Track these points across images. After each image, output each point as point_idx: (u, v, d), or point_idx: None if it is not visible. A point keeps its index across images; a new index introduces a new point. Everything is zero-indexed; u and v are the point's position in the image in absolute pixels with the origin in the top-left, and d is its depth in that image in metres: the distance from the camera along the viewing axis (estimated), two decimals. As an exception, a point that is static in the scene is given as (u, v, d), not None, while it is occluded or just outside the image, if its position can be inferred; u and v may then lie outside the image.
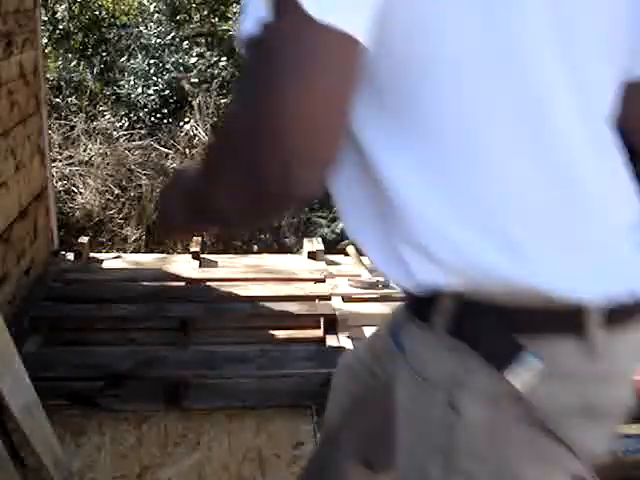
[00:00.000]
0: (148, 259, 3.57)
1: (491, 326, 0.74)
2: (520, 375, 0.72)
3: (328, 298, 2.86)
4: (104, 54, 6.00)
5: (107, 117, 5.58)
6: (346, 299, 2.89)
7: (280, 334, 2.66)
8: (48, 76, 5.10)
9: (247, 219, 0.76)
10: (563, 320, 0.73)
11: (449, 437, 0.77)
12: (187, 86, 5.62)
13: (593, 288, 0.72)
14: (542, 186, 0.72)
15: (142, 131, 5.49)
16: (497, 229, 0.72)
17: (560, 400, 0.75)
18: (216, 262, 3.44)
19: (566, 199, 0.73)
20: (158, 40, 5.85)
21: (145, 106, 5.58)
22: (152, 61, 5.69)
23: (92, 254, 3.44)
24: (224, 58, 5.75)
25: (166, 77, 5.67)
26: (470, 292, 0.73)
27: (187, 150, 5.43)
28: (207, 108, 5.50)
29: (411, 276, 0.75)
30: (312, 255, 3.34)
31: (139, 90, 5.56)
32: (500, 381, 0.73)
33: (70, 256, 3.30)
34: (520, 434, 0.76)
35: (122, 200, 5.13)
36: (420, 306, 0.79)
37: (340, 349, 2.47)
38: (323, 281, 3.02)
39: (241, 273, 3.19)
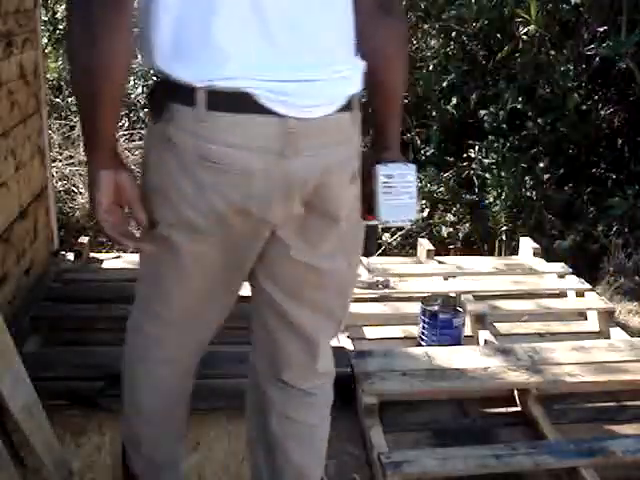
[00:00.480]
0: (148, 259, 3.56)
1: (158, 94, 1.22)
2: (163, 123, 1.20)
3: (328, 298, 2.86)
4: (104, 54, 5.99)
5: (107, 117, 5.56)
6: (346, 299, 2.89)
7: (280, 334, 2.66)
8: (48, 76, 5.10)
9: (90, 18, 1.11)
10: (184, 94, 1.15)
11: (145, 160, 1.31)
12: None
13: (201, 77, 1.14)
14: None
15: (142, 131, 5.48)
16: (163, 42, 1.16)
17: (187, 145, 1.18)
18: (216, 262, 3.43)
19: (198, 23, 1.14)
20: (158, 40, 5.84)
21: (145, 106, 5.58)
22: (152, 61, 5.69)
23: (92, 254, 3.43)
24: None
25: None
26: (162, 75, 1.19)
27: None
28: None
29: (151, 65, 1.20)
30: (312, 255, 3.33)
31: (139, 90, 5.56)
32: (158, 127, 1.21)
33: (70, 256, 3.29)
34: (167, 160, 1.22)
35: (122, 200, 5.11)
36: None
37: (340, 349, 2.47)
38: (323, 281, 3.02)
39: (241, 273, 3.19)
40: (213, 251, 1.29)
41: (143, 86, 5.55)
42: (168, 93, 1.18)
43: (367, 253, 1.51)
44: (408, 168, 1.41)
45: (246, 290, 3.19)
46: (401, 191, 1.39)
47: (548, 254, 3.66)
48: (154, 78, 1.24)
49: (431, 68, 5.05)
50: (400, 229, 4.57)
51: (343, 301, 1.49)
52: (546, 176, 4.63)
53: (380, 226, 1.47)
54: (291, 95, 1.17)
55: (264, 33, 1.16)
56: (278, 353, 1.49)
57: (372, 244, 1.53)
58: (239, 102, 1.15)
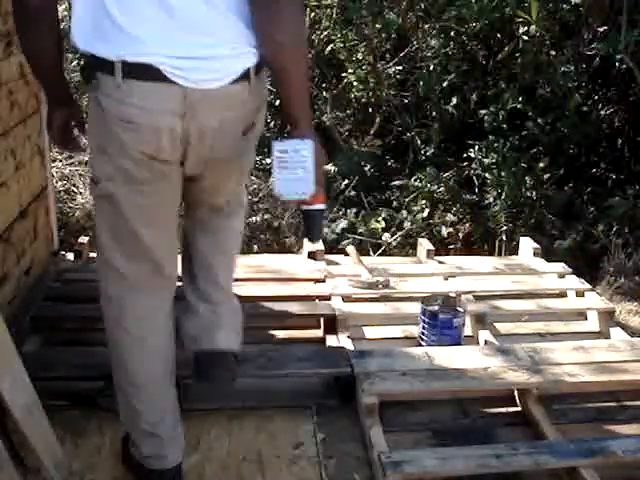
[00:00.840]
0: (148, 259, 3.55)
1: (88, 67, 1.51)
2: (94, 91, 1.49)
3: (328, 298, 2.86)
4: (104, 54, 5.99)
5: (107, 117, 5.56)
6: (346, 299, 2.89)
7: (280, 334, 2.66)
8: (48, 76, 5.09)
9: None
10: (106, 66, 1.43)
11: (89, 124, 1.63)
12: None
13: (117, 54, 1.42)
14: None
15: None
16: (84, 31, 1.47)
17: (109, 107, 1.47)
18: (216, 262, 3.42)
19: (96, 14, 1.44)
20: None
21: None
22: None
23: (92, 254, 3.43)
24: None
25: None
26: (88, 54, 1.48)
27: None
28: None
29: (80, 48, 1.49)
30: (312, 255, 3.33)
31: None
32: (91, 95, 1.52)
33: (70, 256, 3.29)
34: (99, 121, 1.52)
35: (122, 200, 5.10)
36: None
37: (340, 349, 2.47)
38: (323, 281, 3.02)
39: (241, 273, 3.19)
40: (148, 195, 1.58)
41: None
42: (95, 66, 1.46)
43: (311, 239, 1.64)
44: (304, 143, 1.48)
45: (249, 291, 3.20)
46: (296, 165, 1.47)
47: (548, 254, 3.65)
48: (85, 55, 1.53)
49: (431, 68, 5.05)
50: (400, 229, 4.57)
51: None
52: (546, 176, 4.64)
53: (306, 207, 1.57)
54: (189, 70, 1.43)
55: (168, 16, 1.41)
56: (191, 199, 1.80)
57: (317, 229, 1.62)
58: (149, 72, 1.42)
